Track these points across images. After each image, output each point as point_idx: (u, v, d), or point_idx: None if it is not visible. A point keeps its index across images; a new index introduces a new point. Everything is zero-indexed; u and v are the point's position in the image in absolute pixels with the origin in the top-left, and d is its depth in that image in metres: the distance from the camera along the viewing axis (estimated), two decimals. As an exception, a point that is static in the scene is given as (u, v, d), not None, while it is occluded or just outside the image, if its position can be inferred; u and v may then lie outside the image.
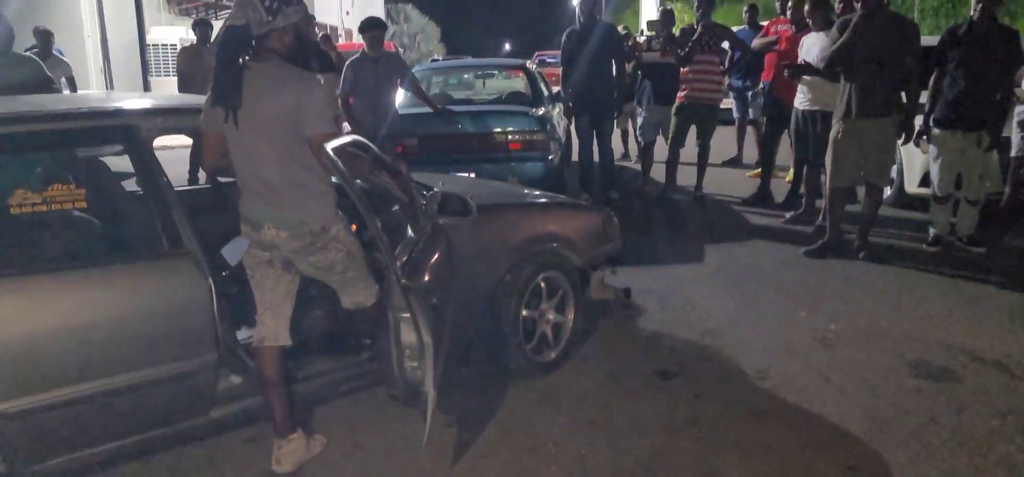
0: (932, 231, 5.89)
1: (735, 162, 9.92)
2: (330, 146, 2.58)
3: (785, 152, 7.60)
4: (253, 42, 2.67)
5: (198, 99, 3.02)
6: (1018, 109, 6.52)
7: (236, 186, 2.86)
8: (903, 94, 5.41)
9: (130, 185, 3.35)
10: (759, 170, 7.95)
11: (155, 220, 2.86)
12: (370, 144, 2.99)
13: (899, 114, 5.42)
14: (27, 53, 9.36)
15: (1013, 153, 6.59)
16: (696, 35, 7.41)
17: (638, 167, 8.81)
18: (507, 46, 65.94)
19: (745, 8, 9.62)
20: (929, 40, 6.28)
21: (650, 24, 8.41)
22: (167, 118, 3.14)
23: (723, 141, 9.50)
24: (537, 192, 4.64)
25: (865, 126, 5.38)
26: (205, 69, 8.10)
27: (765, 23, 8.45)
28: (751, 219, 7.06)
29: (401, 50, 28.86)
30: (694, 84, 7.46)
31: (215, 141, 2.82)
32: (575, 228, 4.02)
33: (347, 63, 6.92)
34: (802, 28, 6.99)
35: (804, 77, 6.17)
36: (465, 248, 3.35)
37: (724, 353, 4.02)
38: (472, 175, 6.27)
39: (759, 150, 8.23)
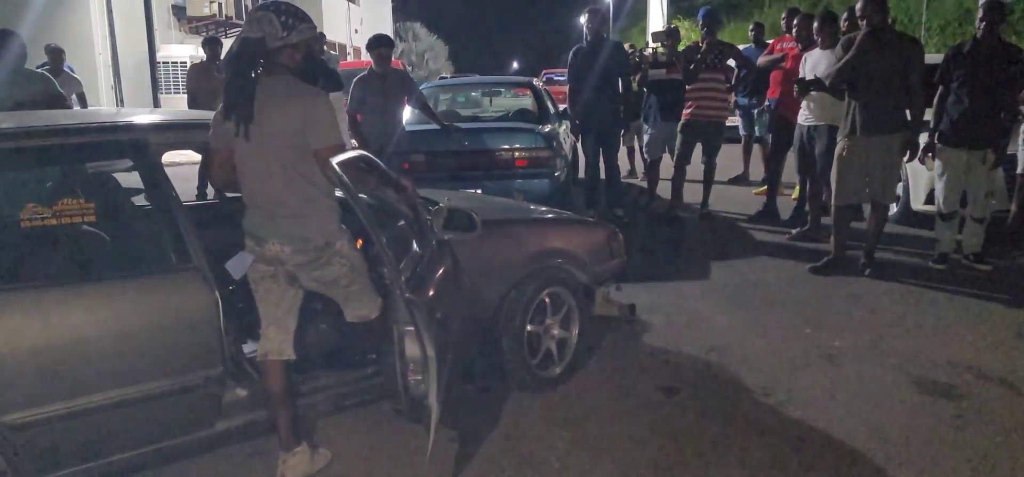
0: (938, 248, 5.88)
1: (741, 179, 9.94)
2: (336, 160, 2.61)
3: (792, 169, 7.61)
4: (264, 57, 2.71)
5: (207, 115, 3.06)
6: (1023, 127, 6.53)
7: (242, 200, 2.88)
8: (908, 111, 5.43)
9: (138, 200, 3.39)
10: (765, 187, 7.96)
11: (163, 234, 2.89)
12: (376, 160, 3.02)
13: (904, 131, 5.43)
14: (38, 70, 9.47)
15: (1019, 170, 6.58)
16: (701, 53, 7.44)
17: (644, 184, 8.83)
18: (515, 65, 66.23)
19: (751, 26, 9.66)
20: (934, 58, 6.29)
21: (655, 36, 8.43)
22: (176, 133, 3.18)
23: (729, 158, 9.52)
24: (543, 208, 4.66)
25: (870, 144, 5.39)
26: (215, 87, 8.17)
27: (771, 41, 8.49)
28: (757, 236, 7.07)
29: (409, 68, 29.00)
30: (700, 102, 7.49)
31: (224, 156, 2.86)
32: (580, 244, 4.04)
33: (355, 80, 6.96)
34: (808, 46, 7.01)
35: (810, 93, 6.18)
36: (470, 263, 3.37)
37: (729, 369, 4.02)
38: (478, 192, 6.30)
39: (765, 167, 8.24)
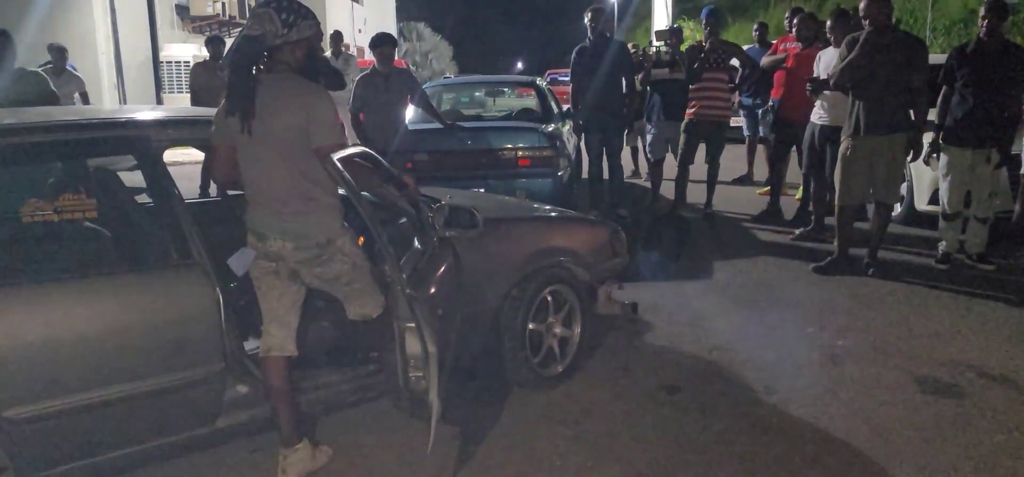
0: (941, 248, 5.87)
1: (745, 179, 9.92)
2: (337, 157, 2.61)
3: (795, 170, 7.61)
4: (266, 54, 2.71)
5: (209, 112, 3.06)
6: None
7: (244, 197, 2.89)
8: (912, 111, 5.42)
9: (140, 197, 3.40)
10: (769, 187, 7.95)
11: (165, 231, 2.90)
12: (378, 157, 3.02)
13: (908, 131, 5.42)
14: (40, 68, 9.50)
15: (1023, 170, 6.57)
16: (705, 52, 7.43)
17: (648, 184, 8.83)
18: (519, 65, 66.19)
19: (755, 26, 9.65)
20: (938, 58, 6.28)
21: (658, 34, 8.42)
22: (178, 129, 3.18)
23: (733, 158, 9.51)
24: (546, 206, 4.66)
25: (874, 143, 5.38)
26: (218, 85, 8.17)
27: (775, 41, 8.48)
28: (760, 236, 7.06)
29: (413, 68, 29.02)
30: (704, 101, 7.48)
31: (226, 153, 2.86)
32: (583, 242, 4.04)
33: (358, 79, 6.97)
34: (809, 45, 7.02)
35: (825, 92, 6.15)
36: (472, 261, 3.37)
37: (731, 368, 4.01)
38: (481, 191, 6.29)
39: (769, 167, 8.23)
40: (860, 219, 6.18)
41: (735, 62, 7.86)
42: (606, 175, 7.71)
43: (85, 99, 9.50)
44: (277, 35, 2.67)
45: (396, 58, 7.35)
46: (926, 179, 6.58)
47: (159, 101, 16.15)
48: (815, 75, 6.29)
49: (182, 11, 23.08)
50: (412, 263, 2.98)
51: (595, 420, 3.47)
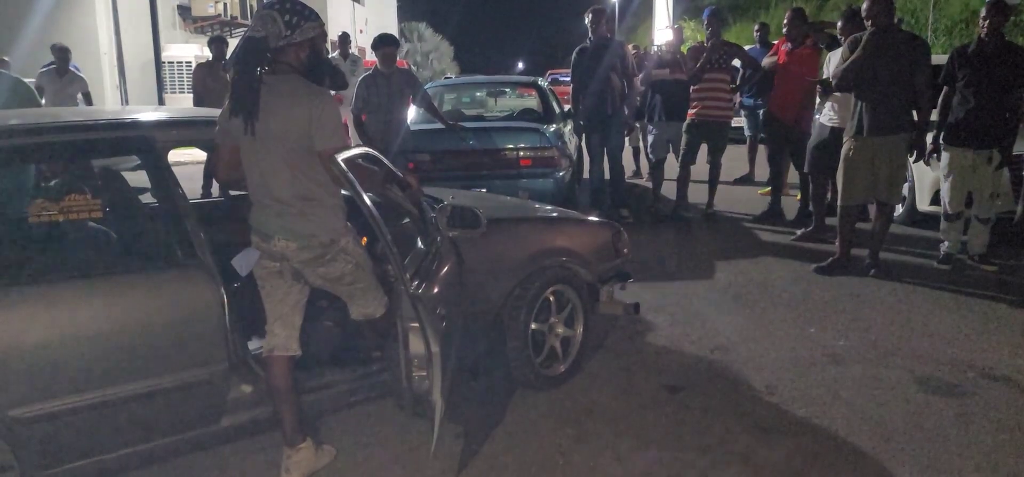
0: (943, 249, 5.88)
1: (746, 180, 9.93)
2: (341, 157, 2.62)
3: (795, 170, 7.62)
4: (270, 55, 2.72)
5: (213, 112, 3.07)
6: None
7: (248, 197, 2.90)
8: (914, 112, 5.42)
9: (144, 197, 3.41)
10: (770, 188, 7.95)
11: (169, 231, 2.91)
12: (381, 157, 3.03)
13: (911, 132, 5.42)
14: (43, 69, 9.55)
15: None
16: (706, 53, 7.44)
17: (649, 184, 8.84)
18: (520, 65, 66.24)
19: (756, 26, 9.66)
20: (939, 59, 6.28)
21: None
22: (182, 130, 3.19)
23: (734, 159, 9.52)
24: (548, 206, 4.66)
25: (877, 144, 5.38)
26: (220, 86, 8.19)
27: (776, 41, 8.48)
28: (762, 236, 7.07)
29: (414, 68, 29.00)
30: (705, 102, 7.48)
31: (229, 154, 2.87)
32: (585, 242, 4.04)
33: (360, 79, 6.98)
34: (799, 45, 7.09)
35: (835, 94, 6.15)
36: (475, 261, 3.38)
37: (733, 368, 4.02)
38: (483, 191, 6.30)
39: (769, 167, 8.24)
40: (862, 220, 6.18)
41: (737, 63, 7.87)
42: (607, 175, 7.72)
43: (88, 100, 9.55)
44: (280, 36, 2.68)
45: (398, 58, 7.36)
46: (928, 180, 6.59)
47: (161, 101, 16.17)
48: (826, 77, 6.29)
49: (184, 12, 23.15)
50: (415, 263, 2.99)
51: (597, 420, 3.48)
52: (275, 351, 2.88)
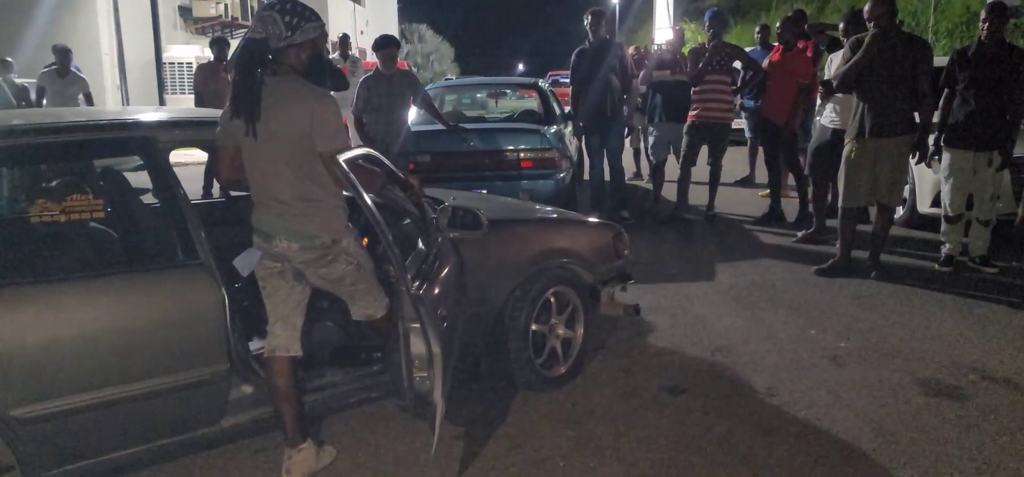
0: (944, 251, 5.87)
1: (747, 181, 9.93)
2: (343, 158, 2.62)
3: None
4: (271, 56, 2.72)
5: (214, 113, 3.07)
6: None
7: (250, 198, 2.90)
8: (916, 114, 5.42)
9: (145, 199, 3.41)
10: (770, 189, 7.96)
11: (170, 231, 2.91)
12: (383, 158, 3.03)
13: (912, 134, 5.42)
14: (44, 69, 9.58)
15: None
16: (707, 55, 7.45)
17: (649, 186, 8.84)
18: (520, 67, 66.27)
19: (757, 28, 9.66)
20: (940, 60, 6.29)
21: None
22: (184, 131, 3.20)
23: (735, 160, 9.52)
24: (548, 208, 4.66)
25: (878, 146, 5.38)
26: (221, 87, 8.20)
27: (776, 43, 8.49)
28: (762, 238, 7.07)
29: (415, 69, 29.01)
30: (706, 103, 7.49)
31: (231, 155, 2.88)
32: (585, 243, 4.04)
33: (361, 81, 6.98)
34: (790, 48, 7.13)
35: (836, 95, 6.16)
36: (475, 262, 3.38)
37: (734, 370, 4.02)
38: (484, 192, 6.31)
39: (768, 170, 8.25)
40: (862, 222, 6.18)
41: (738, 64, 7.88)
42: (607, 177, 7.72)
43: (89, 100, 9.57)
44: (281, 38, 2.68)
45: (399, 60, 7.36)
46: (928, 182, 6.58)
47: (162, 102, 16.18)
48: (827, 78, 6.31)
49: (185, 12, 23.18)
50: (416, 264, 2.99)
51: (598, 421, 3.48)
52: (276, 352, 2.88)
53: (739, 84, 8.08)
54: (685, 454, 3.18)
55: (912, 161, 5.66)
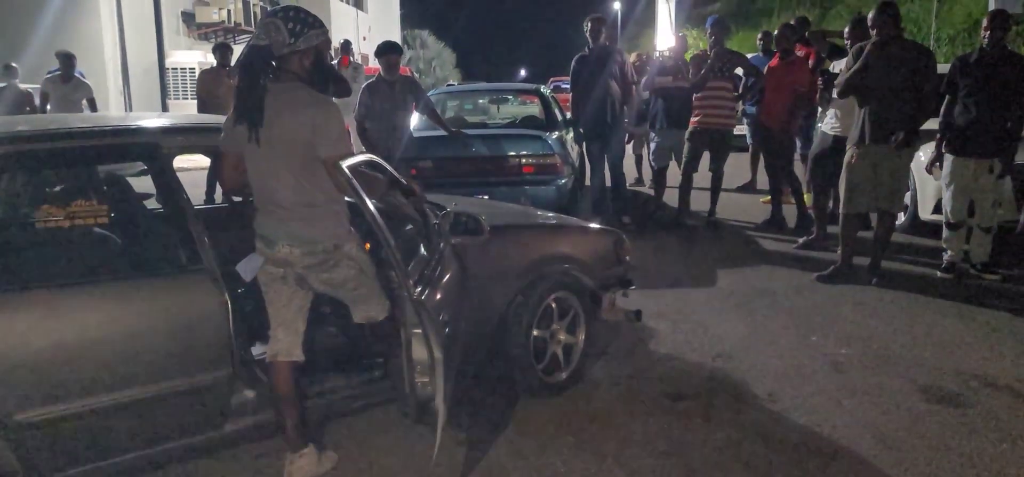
0: (945, 258, 5.87)
1: (748, 188, 9.93)
2: (346, 164, 2.64)
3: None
4: (274, 63, 2.73)
5: (217, 119, 3.09)
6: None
7: (253, 204, 2.91)
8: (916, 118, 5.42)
9: (149, 204, 3.42)
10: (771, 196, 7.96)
11: (174, 236, 2.92)
12: (385, 164, 3.05)
13: (914, 142, 5.41)
14: (48, 75, 9.61)
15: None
16: (709, 61, 7.46)
17: (651, 192, 8.85)
18: (522, 72, 66.35)
19: (759, 35, 9.67)
20: (942, 68, 6.29)
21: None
22: (187, 136, 3.21)
23: (737, 167, 9.52)
24: (549, 214, 4.67)
25: (879, 152, 5.39)
26: (224, 92, 8.22)
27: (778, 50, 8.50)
28: (764, 244, 7.07)
29: (417, 75, 29.09)
30: (707, 110, 7.50)
31: (234, 160, 2.89)
32: (587, 249, 4.05)
33: (363, 86, 7.00)
34: (787, 56, 7.16)
35: (838, 101, 6.17)
36: (477, 267, 3.39)
37: (735, 376, 4.03)
38: (486, 198, 6.32)
39: (768, 176, 8.26)
40: (864, 228, 6.18)
41: (739, 71, 7.89)
42: (608, 183, 7.73)
43: (93, 105, 9.59)
44: (284, 44, 2.70)
45: (401, 65, 7.38)
46: (930, 188, 6.59)
47: (165, 107, 16.24)
48: (832, 70, 6.33)
49: (188, 18, 23.24)
50: (418, 269, 3.00)
51: (599, 427, 3.48)
52: (278, 356, 2.89)
53: (741, 91, 8.10)
54: (686, 460, 3.18)
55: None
